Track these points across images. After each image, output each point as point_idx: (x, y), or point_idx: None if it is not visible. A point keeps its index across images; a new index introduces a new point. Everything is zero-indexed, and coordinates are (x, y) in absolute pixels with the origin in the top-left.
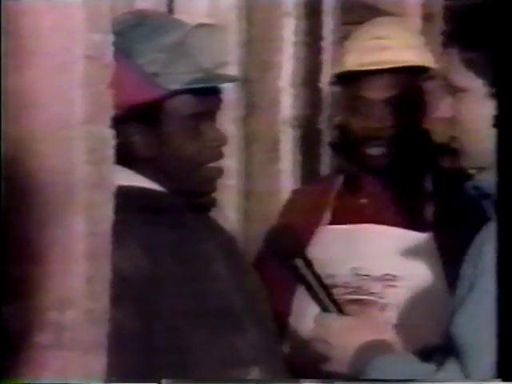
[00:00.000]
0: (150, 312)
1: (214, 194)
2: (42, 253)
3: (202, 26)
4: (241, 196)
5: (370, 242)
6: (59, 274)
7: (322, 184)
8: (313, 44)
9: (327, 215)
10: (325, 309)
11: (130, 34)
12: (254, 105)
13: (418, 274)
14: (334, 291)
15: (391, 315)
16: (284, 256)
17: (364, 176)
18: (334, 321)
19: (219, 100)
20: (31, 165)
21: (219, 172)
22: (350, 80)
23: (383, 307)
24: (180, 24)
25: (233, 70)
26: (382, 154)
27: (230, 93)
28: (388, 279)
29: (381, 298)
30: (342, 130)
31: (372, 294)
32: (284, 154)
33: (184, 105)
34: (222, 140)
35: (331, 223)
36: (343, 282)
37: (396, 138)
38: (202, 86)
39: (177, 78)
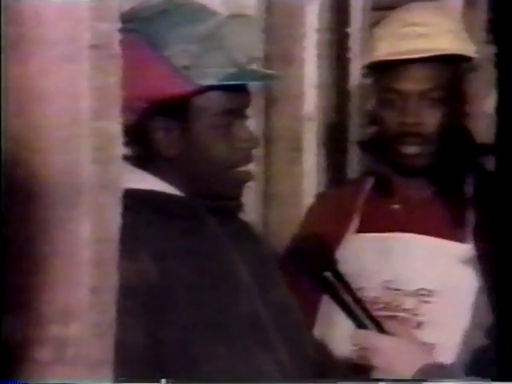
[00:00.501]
0: (162, 325)
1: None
2: (44, 260)
3: (235, 16)
4: (259, 199)
5: (402, 253)
6: (62, 283)
7: (349, 187)
8: (339, 31)
9: (355, 222)
10: (361, 325)
11: (157, 21)
12: (274, 99)
13: (457, 289)
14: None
15: (427, 334)
16: (311, 267)
17: (397, 178)
18: (379, 341)
19: (249, 97)
20: (33, 164)
21: (248, 176)
22: (382, 71)
23: (418, 325)
24: (212, 13)
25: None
26: (418, 154)
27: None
28: (423, 294)
29: (415, 314)
30: (374, 127)
31: (405, 310)
32: (307, 154)
33: (215, 101)
34: (254, 142)
35: (360, 231)
36: (373, 296)
37: (434, 135)
38: (237, 82)
39: (209, 72)
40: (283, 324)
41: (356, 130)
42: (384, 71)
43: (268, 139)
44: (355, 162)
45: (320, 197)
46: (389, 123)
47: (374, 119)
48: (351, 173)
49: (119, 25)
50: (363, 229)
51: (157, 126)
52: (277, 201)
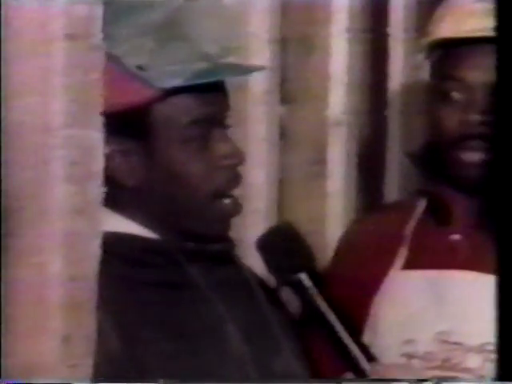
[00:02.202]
0: None
1: (229, 235)
2: (5, 302)
3: None
4: (271, 225)
5: (462, 296)
6: (28, 330)
7: (394, 212)
8: (375, 12)
9: (402, 256)
10: (341, 346)
11: (105, 11)
12: (292, 99)
13: None
14: (413, 363)
15: None
16: (282, 265)
17: (456, 199)
18: None
19: (227, 98)
20: None
21: (236, 205)
22: (443, 57)
23: None
24: None
25: (263, 53)
26: (481, 162)
27: (259, 83)
28: (489, 350)
29: (480, 376)
30: (427, 129)
31: (467, 370)
32: (332, 168)
33: (182, 108)
34: (239, 156)
35: (407, 267)
36: (425, 351)
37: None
38: (208, 80)
39: (170, 70)
40: None
41: (396, 139)
42: (445, 56)
43: (284, 148)
44: (394, 180)
45: (354, 224)
46: (447, 123)
47: (427, 118)
48: (389, 193)
49: (100, 9)
50: (412, 265)
51: (110, 148)
52: None
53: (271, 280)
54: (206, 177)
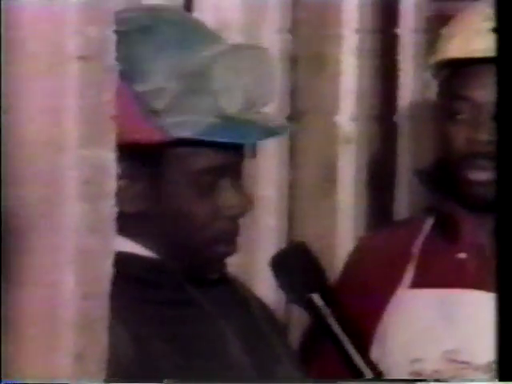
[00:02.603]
0: None
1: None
2: (18, 321)
3: (241, 48)
4: (282, 241)
5: (470, 315)
6: (40, 348)
7: (401, 229)
8: (385, 31)
9: (409, 274)
10: (351, 365)
11: (135, 41)
12: (301, 114)
13: None
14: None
15: None
16: (296, 286)
17: (464, 217)
18: None
19: (241, 152)
20: (6, 200)
21: (231, 251)
22: (450, 75)
23: None
24: (213, 39)
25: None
26: (489, 181)
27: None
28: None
29: None
30: (436, 147)
31: None
32: (342, 186)
33: (192, 156)
34: (244, 207)
35: (415, 286)
36: (432, 370)
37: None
38: (218, 139)
39: (183, 121)
40: None
41: (406, 157)
42: (453, 76)
43: (293, 166)
44: (404, 197)
45: (363, 241)
46: (455, 142)
47: (433, 140)
48: (399, 211)
49: (113, 30)
50: (420, 283)
51: (119, 172)
52: None
53: (281, 299)
54: (207, 223)
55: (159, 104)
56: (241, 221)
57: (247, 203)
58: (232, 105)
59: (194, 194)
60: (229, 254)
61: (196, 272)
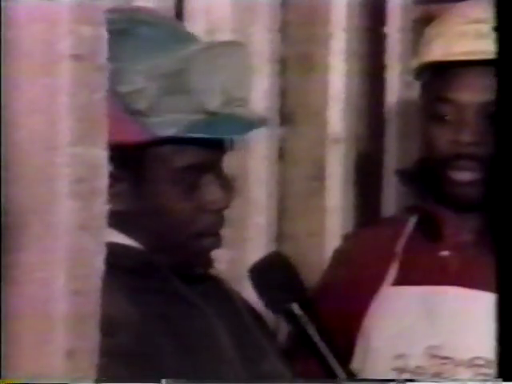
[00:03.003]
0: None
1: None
2: (9, 317)
3: (216, 45)
4: (272, 239)
5: (453, 312)
6: (32, 344)
7: (385, 227)
8: (372, 31)
9: (393, 272)
10: (329, 371)
11: (114, 43)
12: (290, 115)
13: None
14: (404, 377)
15: None
16: (275, 296)
17: (446, 216)
18: None
19: (223, 147)
20: (1, 198)
21: (217, 244)
22: (433, 77)
23: None
24: (189, 39)
25: (263, 72)
26: (473, 181)
27: (259, 101)
28: (479, 365)
29: None
30: (420, 147)
31: None
32: (331, 184)
33: (175, 154)
34: (225, 202)
35: (398, 283)
36: (415, 365)
37: (491, 159)
38: (201, 135)
39: (166, 120)
40: None
41: (393, 156)
42: (436, 78)
43: (282, 166)
44: (391, 196)
45: (348, 239)
46: (438, 143)
47: (418, 140)
48: (386, 209)
49: (105, 29)
50: (403, 280)
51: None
52: (292, 242)
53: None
54: (190, 219)
55: (141, 104)
56: (225, 214)
57: (230, 197)
58: (212, 101)
59: (177, 191)
60: (214, 247)
61: (183, 266)
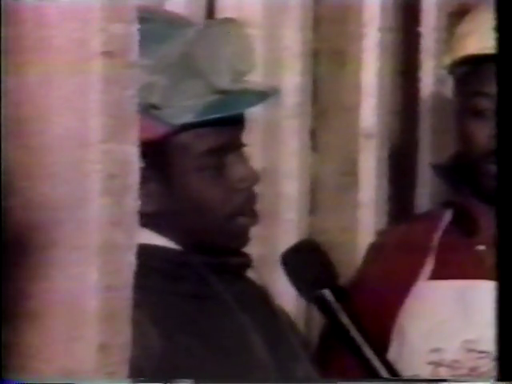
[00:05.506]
0: None
1: (247, 251)
2: (43, 312)
3: (214, 24)
4: (303, 235)
5: (489, 306)
6: (65, 339)
7: (421, 223)
8: (406, 30)
9: (429, 266)
10: (365, 362)
11: None
12: (323, 110)
13: None
14: (440, 371)
15: None
16: (306, 282)
17: (483, 210)
18: None
19: (242, 122)
20: (31, 195)
21: (253, 220)
22: (470, 72)
23: None
24: (185, 25)
25: (295, 67)
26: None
27: (291, 95)
28: None
29: None
30: (457, 142)
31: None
32: (364, 180)
33: (196, 140)
34: (254, 178)
35: (434, 277)
36: (451, 359)
37: None
38: (219, 114)
39: (182, 106)
40: None
41: (427, 150)
42: (472, 72)
43: (315, 161)
44: (425, 191)
45: (383, 235)
46: (477, 138)
47: (452, 134)
48: (420, 204)
49: (136, 27)
50: (439, 275)
51: None
52: (325, 237)
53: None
54: (223, 201)
55: (154, 98)
56: (255, 190)
57: (255, 173)
58: (221, 79)
59: (205, 177)
60: (251, 224)
61: (219, 257)
